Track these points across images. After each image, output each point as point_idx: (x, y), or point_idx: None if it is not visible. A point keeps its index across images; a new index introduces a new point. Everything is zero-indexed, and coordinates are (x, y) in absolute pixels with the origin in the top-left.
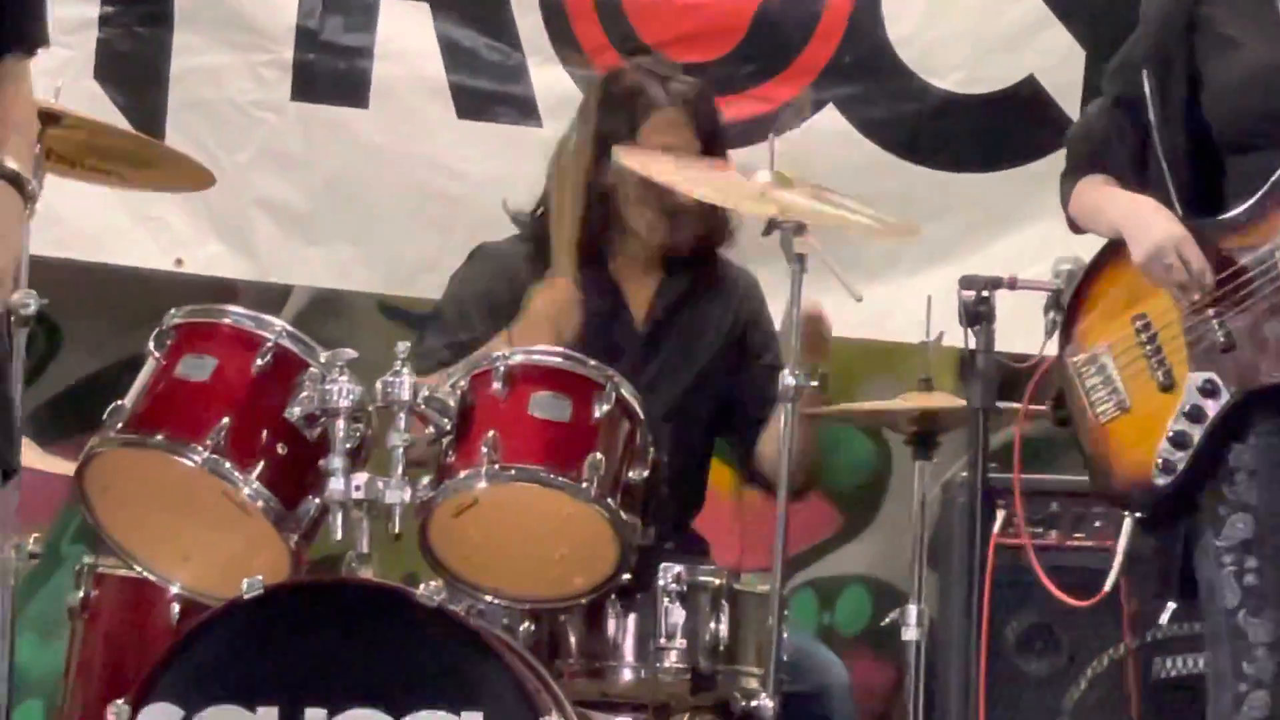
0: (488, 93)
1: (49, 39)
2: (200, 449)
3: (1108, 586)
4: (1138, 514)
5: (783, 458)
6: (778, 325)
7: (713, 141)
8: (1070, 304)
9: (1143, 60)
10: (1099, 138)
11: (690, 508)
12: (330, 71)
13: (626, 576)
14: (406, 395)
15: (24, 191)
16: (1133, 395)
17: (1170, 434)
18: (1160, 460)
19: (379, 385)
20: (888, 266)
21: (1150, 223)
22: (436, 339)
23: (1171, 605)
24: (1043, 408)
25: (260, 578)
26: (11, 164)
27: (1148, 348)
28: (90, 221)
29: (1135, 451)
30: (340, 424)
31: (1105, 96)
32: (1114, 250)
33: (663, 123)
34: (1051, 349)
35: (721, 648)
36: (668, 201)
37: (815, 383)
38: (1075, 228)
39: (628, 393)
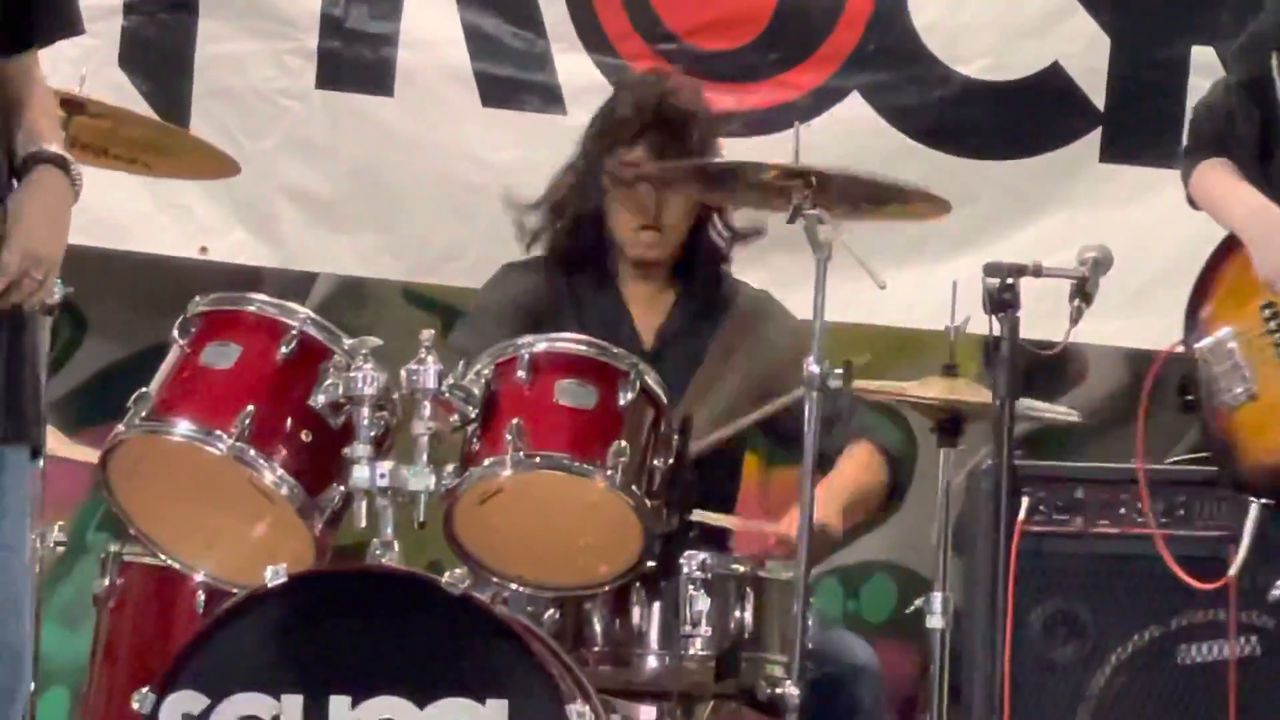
0: (512, 80)
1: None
2: (225, 437)
3: (1233, 571)
4: (1264, 500)
5: (807, 445)
6: (806, 315)
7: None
8: (1195, 290)
9: (1270, 40)
10: (1222, 118)
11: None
12: (355, 59)
13: (651, 564)
14: (431, 383)
15: (71, 175)
16: (1261, 382)
17: None
18: None
19: (403, 373)
20: (912, 254)
21: (1273, 240)
22: (470, 338)
23: None
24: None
25: (284, 565)
26: (55, 148)
27: (1277, 335)
28: (115, 209)
29: (1263, 437)
30: (365, 412)
31: (1229, 76)
32: (1239, 239)
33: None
34: (1075, 337)
35: (746, 635)
36: (645, 214)
37: (840, 371)
38: (1194, 205)
39: (652, 381)
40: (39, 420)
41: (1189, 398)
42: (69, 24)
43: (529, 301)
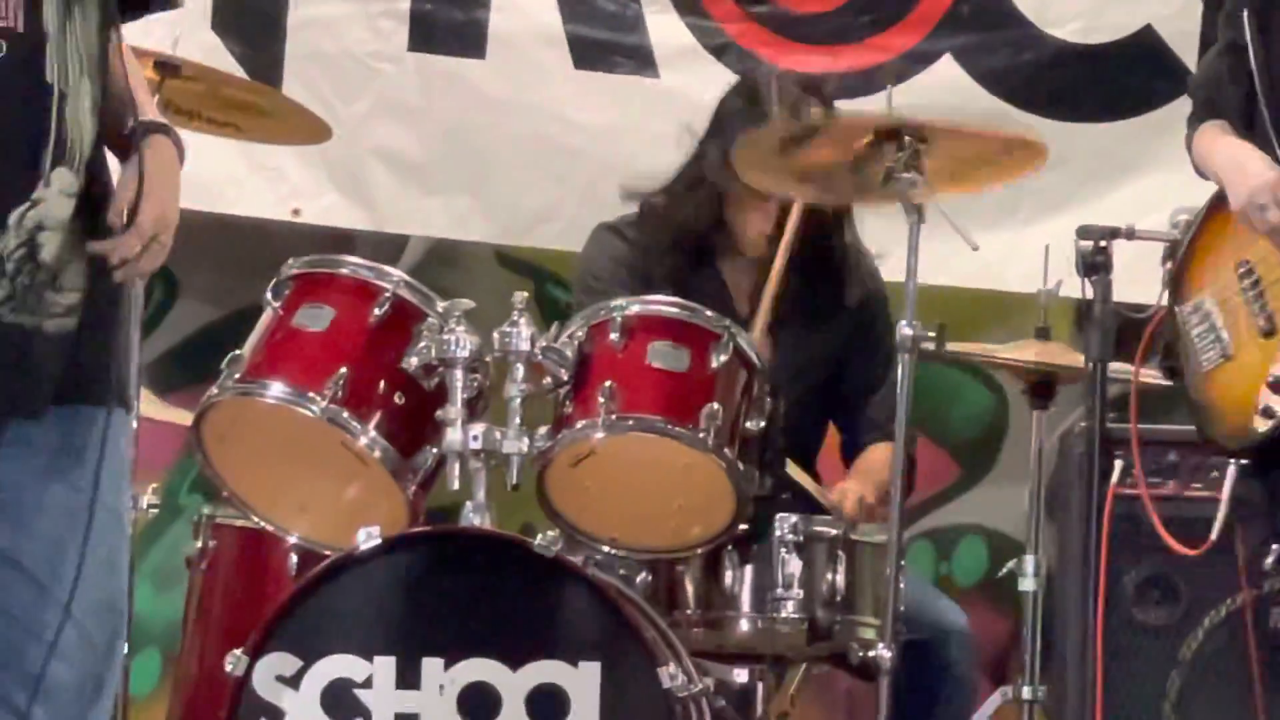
0: (604, 43)
1: None
2: (318, 399)
3: (1214, 534)
4: (1242, 460)
5: (900, 406)
6: (898, 278)
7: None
8: (1181, 254)
9: (1245, 4)
10: (1213, 83)
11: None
12: (447, 22)
13: (744, 527)
14: (524, 345)
15: (178, 142)
16: (1235, 342)
17: (1271, 379)
18: (1262, 406)
19: (496, 335)
20: (1005, 216)
21: (1247, 169)
22: None
23: (1276, 548)
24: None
25: (377, 528)
26: (157, 117)
27: (1250, 293)
28: (208, 172)
29: (1237, 398)
30: (458, 374)
31: (1219, 41)
32: (1221, 198)
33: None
34: (1166, 300)
35: (838, 598)
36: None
37: (932, 333)
38: (1200, 174)
39: (745, 343)
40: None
41: (1170, 364)
42: None
43: (626, 267)
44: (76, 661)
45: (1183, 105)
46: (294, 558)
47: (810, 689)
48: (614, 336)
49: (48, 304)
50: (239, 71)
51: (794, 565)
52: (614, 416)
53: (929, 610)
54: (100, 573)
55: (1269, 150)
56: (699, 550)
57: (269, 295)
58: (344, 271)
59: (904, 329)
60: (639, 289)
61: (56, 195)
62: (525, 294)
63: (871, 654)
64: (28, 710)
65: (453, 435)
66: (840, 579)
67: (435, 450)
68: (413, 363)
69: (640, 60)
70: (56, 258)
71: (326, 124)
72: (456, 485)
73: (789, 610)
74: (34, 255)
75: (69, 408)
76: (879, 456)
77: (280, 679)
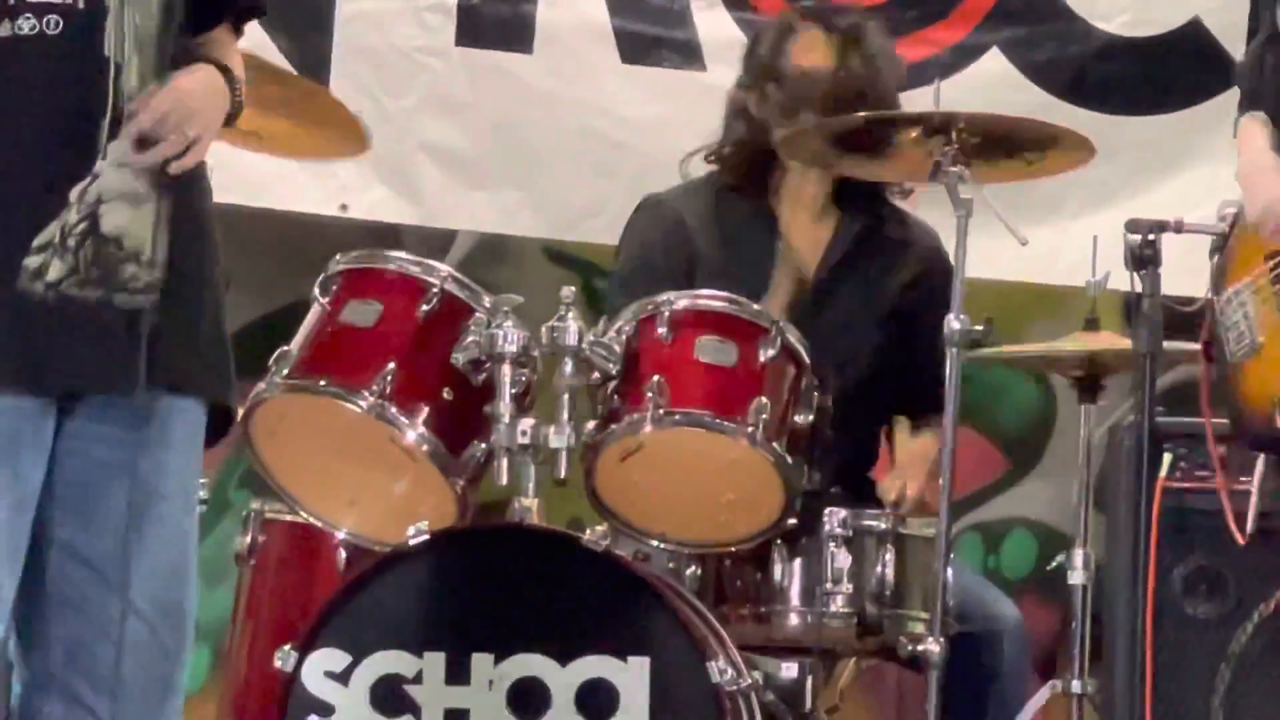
0: (652, 37)
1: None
2: (366, 394)
3: (1249, 527)
4: (1267, 453)
5: (949, 400)
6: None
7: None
8: (1226, 245)
9: None
10: (1254, 73)
11: (861, 460)
12: (495, 16)
13: (792, 521)
14: (572, 340)
15: (231, 84)
16: (1263, 334)
17: None
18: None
19: (545, 330)
20: (1052, 210)
21: (1260, 184)
22: (624, 299)
23: None
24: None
25: (426, 523)
26: (224, 62)
27: (1279, 285)
28: (256, 167)
29: (1262, 391)
30: (506, 369)
31: (1261, 32)
32: None
33: (808, 40)
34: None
35: (887, 592)
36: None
37: (980, 328)
38: None
39: (793, 337)
40: (220, 373)
41: (1210, 354)
42: (254, 4)
43: (680, 239)
44: (145, 660)
45: (1230, 98)
46: (343, 553)
47: (860, 683)
48: (661, 331)
49: (120, 278)
50: (286, 66)
51: (843, 559)
52: (662, 411)
53: (982, 603)
54: (167, 573)
55: None
56: (747, 544)
57: (316, 291)
58: (391, 267)
59: (952, 323)
60: (688, 259)
61: (113, 167)
62: (573, 288)
63: (921, 648)
64: (95, 706)
65: (501, 430)
66: (889, 572)
67: (484, 445)
68: (461, 358)
69: (687, 54)
70: (118, 228)
71: (365, 134)
72: (505, 480)
73: (838, 604)
74: (95, 228)
75: (140, 398)
76: (926, 444)
77: (330, 675)
